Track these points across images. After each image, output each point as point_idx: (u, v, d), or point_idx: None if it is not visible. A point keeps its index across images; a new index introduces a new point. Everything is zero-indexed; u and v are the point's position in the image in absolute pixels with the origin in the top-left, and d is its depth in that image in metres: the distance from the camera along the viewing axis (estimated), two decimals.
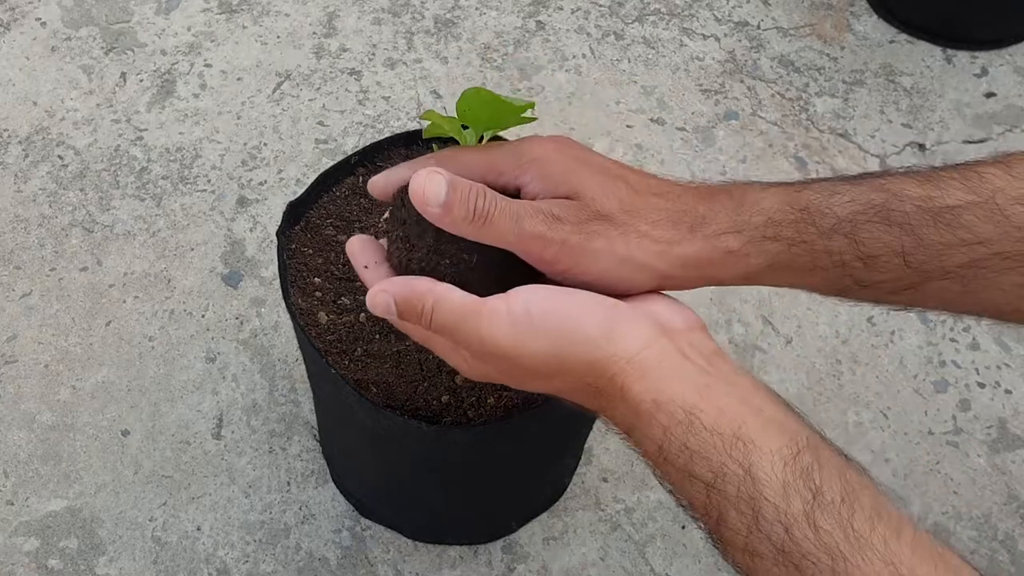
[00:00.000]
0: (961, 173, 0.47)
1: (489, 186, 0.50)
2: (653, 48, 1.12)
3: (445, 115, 0.54)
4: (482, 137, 0.55)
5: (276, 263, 0.76)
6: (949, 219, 0.47)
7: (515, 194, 0.51)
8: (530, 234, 0.48)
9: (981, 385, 0.90)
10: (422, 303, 0.49)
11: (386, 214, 0.68)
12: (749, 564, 0.43)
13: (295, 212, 0.67)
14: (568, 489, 0.83)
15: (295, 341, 0.88)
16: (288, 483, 0.83)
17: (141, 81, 1.06)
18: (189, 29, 1.10)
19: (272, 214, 0.97)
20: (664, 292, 0.50)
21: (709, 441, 0.43)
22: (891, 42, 1.14)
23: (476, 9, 1.14)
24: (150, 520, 0.81)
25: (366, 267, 0.55)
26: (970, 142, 1.06)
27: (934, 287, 0.48)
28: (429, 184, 0.47)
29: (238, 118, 1.04)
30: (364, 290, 0.65)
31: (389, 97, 1.06)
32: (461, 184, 0.48)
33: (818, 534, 0.41)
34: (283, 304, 0.77)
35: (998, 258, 0.46)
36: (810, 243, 0.48)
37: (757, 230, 0.49)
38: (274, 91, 1.06)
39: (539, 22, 1.13)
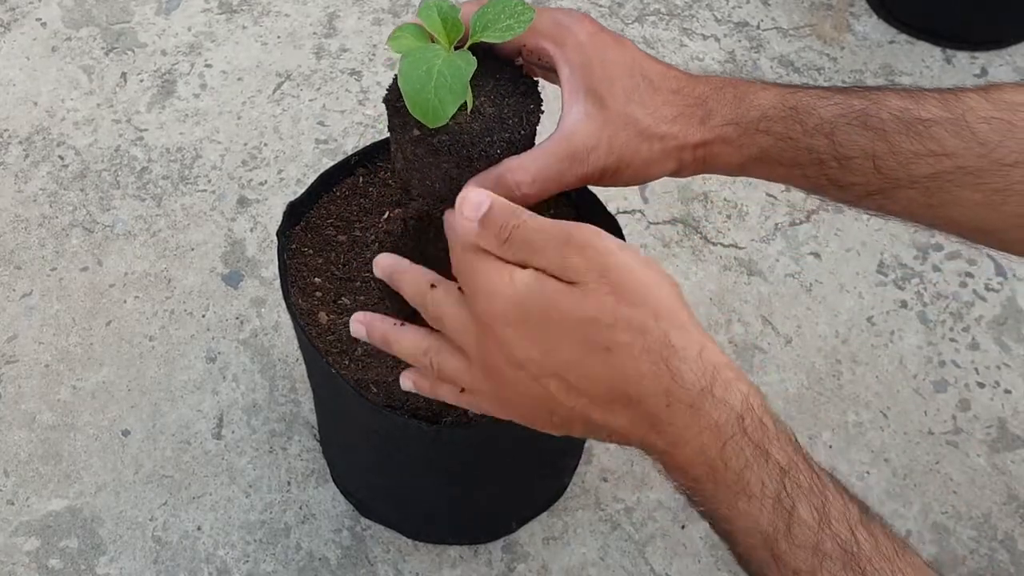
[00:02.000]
0: (941, 94, 0.51)
1: (526, 47, 0.54)
2: (653, 48, 1.12)
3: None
4: (462, 44, 0.53)
5: (276, 263, 0.76)
6: (920, 130, 0.50)
7: (546, 56, 0.55)
8: (571, 184, 0.53)
9: (981, 385, 0.90)
10: (508, 218, 0.47)
11: (386, 214, 0.68)
12: (815, 566, 0.43)
13: (295, 212, 0.67)
14: (568, 489, 0.83)
15: (295, 341, 0.88)
16: (288, 483, 0.83)
17: (141, 81, 1.06)
18: (189, 29, 1.11)
19: (272, 214, 0.97)
20: None
21: (783, 429, 0.45)
22: (891, 42, 1.14)
23: None
24: (150, 520, 0.81)
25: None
26: None
27: (901, 195, 0.52)
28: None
29: (238, 118, 1.04)
30: (364, 290, 0.66)
31: None
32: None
33: (876, 541, 0.42)
34: (283, 304, 0.78)
35: (961, 172, 0.49)
36: (795, 140, 0.53)
37: (752, 123, 0.53)
38: (274, 91, 1.06)
39: None
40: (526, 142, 0.54)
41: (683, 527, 0.82)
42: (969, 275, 0.96)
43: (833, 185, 0.53)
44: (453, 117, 0.51)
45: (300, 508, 0.82)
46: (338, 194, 0.69)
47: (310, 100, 1.05)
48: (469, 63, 0.50)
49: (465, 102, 0.51)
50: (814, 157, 0.53)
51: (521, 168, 0.51)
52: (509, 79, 0.55)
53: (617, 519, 0.82)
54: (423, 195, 0.55)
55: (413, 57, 0.51)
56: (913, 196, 0.51)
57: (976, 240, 0.54)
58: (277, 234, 0.66)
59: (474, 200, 0.47)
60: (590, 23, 0.54)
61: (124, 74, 1.07)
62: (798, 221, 0.99)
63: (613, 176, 0.54)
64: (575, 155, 0.52)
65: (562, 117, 0.53)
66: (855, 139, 0.51)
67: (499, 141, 0.52)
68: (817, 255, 0.97)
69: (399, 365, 0.63)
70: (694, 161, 0.55)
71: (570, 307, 0.44)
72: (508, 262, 0.46)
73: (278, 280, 0.65)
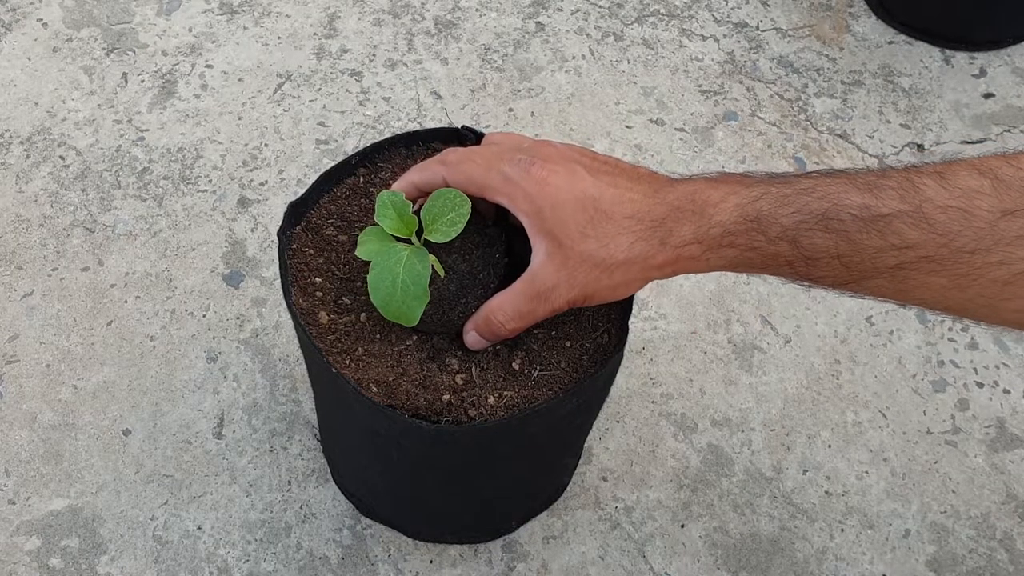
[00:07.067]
0: (899, 182, 0.52)
1: (486, 206, 0.62)
2: (652, 49, 1.12)
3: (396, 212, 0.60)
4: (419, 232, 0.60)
5: (277, 263, 0.76)
6: (881, 226, 0.52)
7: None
8: (544, 317, 0.60)
9: (980, 385, 0.90)
10: None
11: None
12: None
13: (296, 212, 0.68)
14: (568, 488, 0.83)
15: (296, 341, 0.89)
16: (289, 482, 0.83)
17: (142, 82, 1.06)
18: (190, 30, 1.11)
19: (273, 214, 0.97)
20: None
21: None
22: (890, 43, 1.14)
23: (476, 10, 1.14)
24: (151, 519, 0.81)
25: None
26: (968, 142, 1.06)
27: (870, 284, 0.54)
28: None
29: (239, 119, 1.04)
30: (365, 290, 0.66)
31: (390, 98, 1.06)
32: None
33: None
34: (284, 304, 0.78)
35: (925, 261, 0.51)
36: (760, 249, 0.55)
37: (715, 240, 0.56)
38: (275, 92, 1.06)
39: (539, 23, 1.14)
40: (498, 289, 0.61)
41: (683, 526, 0.82)
42: None
43: (803, 279, 0.56)
44: (431, 282, 0.59)
45: (301, 507, 0.82)
46: (339, 194, 0.69)
47: (311, 100, 1.06)
48: (426, 266, 0.58)
49: (436, 272, 0.60)
50: (782, 260, 0.55)
51: (500, 309, 0.60)
52: (476, 230, 0.62)
53: (616, 518, 0.82)
54: (438, 334, 0.64)
55: (379, 267, 0.59)
56: (881, 283, 0.53)
57: (946, 316, 0.58)
58: (278, 234, 0.66)
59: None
60: (539, 167, 0.57)
61: (125, 74, 1.07)
62: None
63: (585, 303, 0.59)
64: (540, 295, 0.58)
65: (531, 258, 0.59)
66: (818, 243, 0.53)
67: (473, 300, 0.61)
68: None
69: (399, 365, 0.63)
70: (662, 276, 0.58)
71: None
72: None
73: (279, 280, 0.66)
